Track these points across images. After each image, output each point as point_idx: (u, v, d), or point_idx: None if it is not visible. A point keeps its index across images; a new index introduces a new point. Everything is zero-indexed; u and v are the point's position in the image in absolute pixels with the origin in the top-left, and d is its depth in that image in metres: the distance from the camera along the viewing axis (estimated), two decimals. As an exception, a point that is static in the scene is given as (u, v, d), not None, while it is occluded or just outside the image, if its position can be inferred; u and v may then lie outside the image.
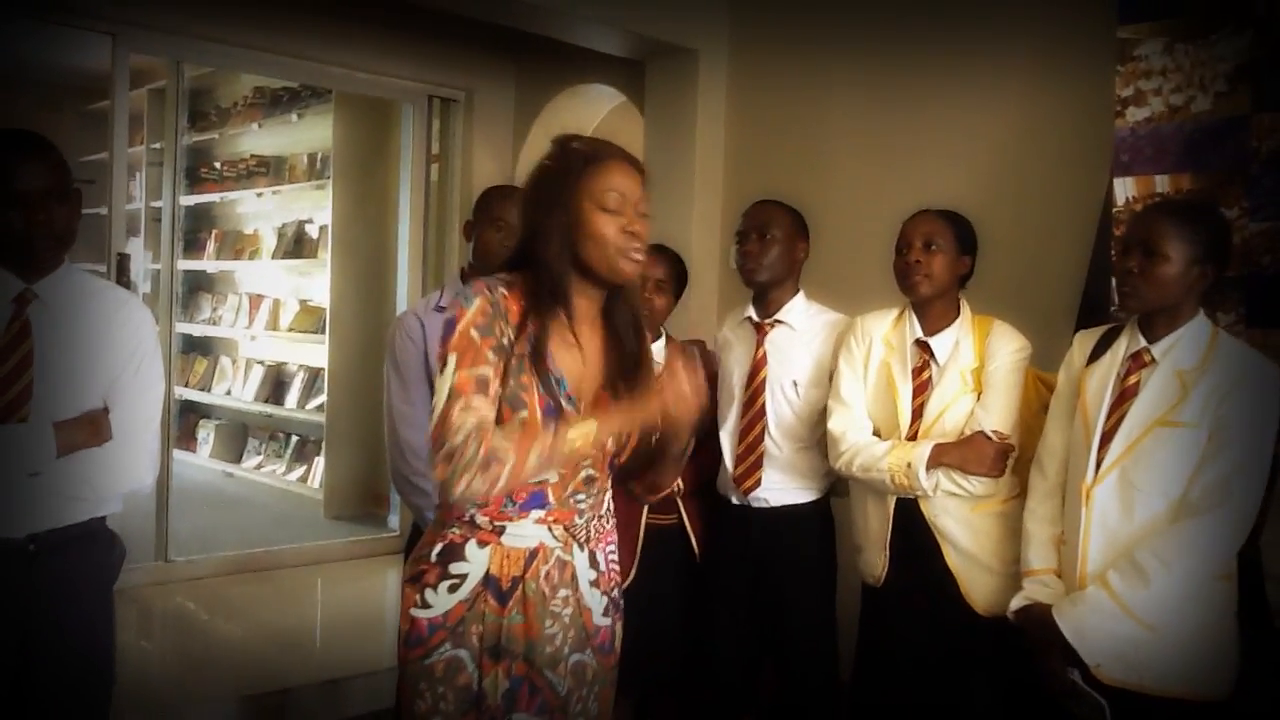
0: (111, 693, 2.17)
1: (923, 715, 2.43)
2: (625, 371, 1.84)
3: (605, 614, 1.88)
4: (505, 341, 1.72)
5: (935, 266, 2.42)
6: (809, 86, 3.86)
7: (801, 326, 2.70)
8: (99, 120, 4.71)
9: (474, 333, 1.71)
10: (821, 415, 2.59)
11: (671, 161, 4.20)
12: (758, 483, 2.67)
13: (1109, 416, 2.10)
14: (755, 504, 2.69)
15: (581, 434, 1.70)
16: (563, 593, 1.81)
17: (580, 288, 1.78)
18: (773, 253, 2.67)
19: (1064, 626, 2.05)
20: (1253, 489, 1.99)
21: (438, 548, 1.80)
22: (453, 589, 1.78)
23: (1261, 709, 2.09)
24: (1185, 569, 1.97)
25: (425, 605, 1.79)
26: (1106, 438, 2.09)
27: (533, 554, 1.79)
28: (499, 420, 1.72)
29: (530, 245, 1.78)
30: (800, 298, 2.73)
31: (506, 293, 1.75)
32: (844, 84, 3.73)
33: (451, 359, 1.70)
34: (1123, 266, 2.10)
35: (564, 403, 1.76)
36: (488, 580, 1.78)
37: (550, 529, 1.80)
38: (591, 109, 5.04)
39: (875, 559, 2.48)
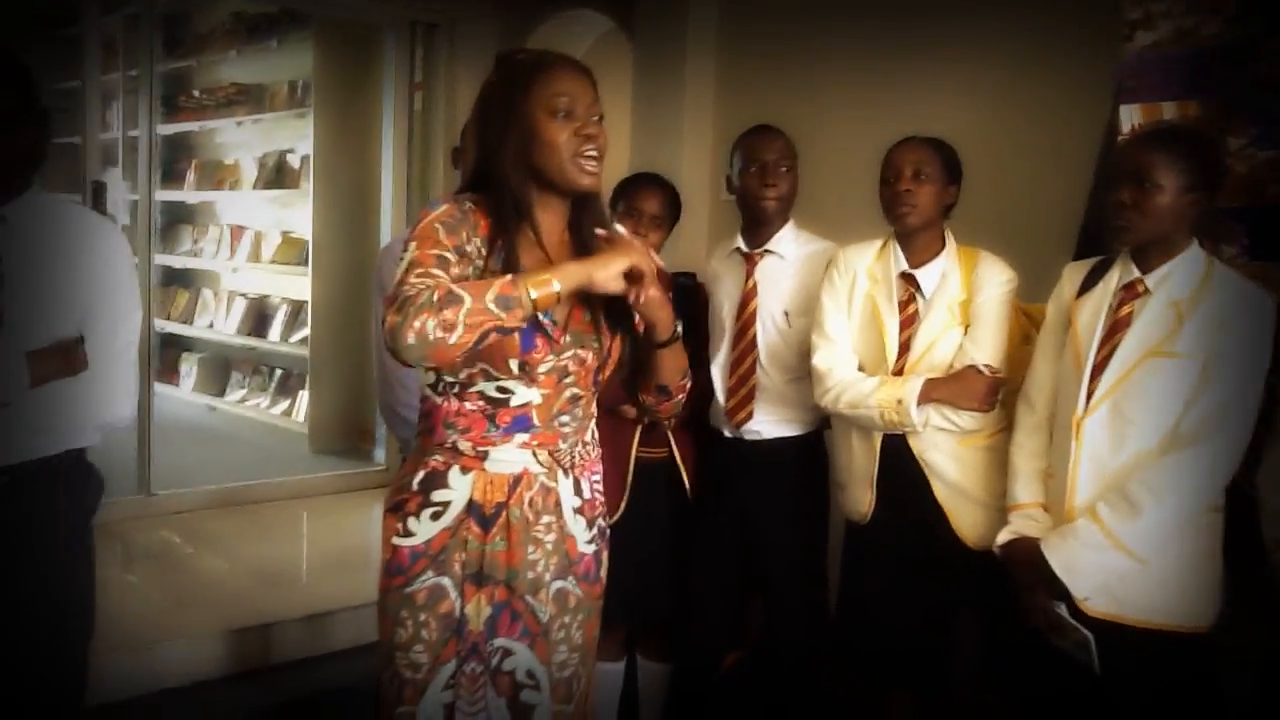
0: (91, 631, 2.12)
1: (907, 652, 2.43)
2: None
3: (590, 542, 1.86)
4: (470, 249, 1.68)
5: (924, 196, 2.36)
6: (803, 11, 3.77)
7: (791, 255, 2.66)
8: (71, 47, 4.58)
9: (438, 227, 1.67)
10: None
11: (662, 88, 4.12)
12: (750, 415, 2.64)
13: (1100, 348, 2.07)
14: (748, 436, 2.66)
15: (540, 284, 1.59)
16: (546, 519, 1.79)
17: (542, 201, 1.75)
18: (787, 185, 2.63)
19: (1052, 560, 2.04)
20: (1245, 420, 1.97)
21: (420, 475, 1.77)
22: (435, 516, 1.75)
23: (1247, 643, 2.09)
24: (1176, 500, 1.96)
25: (407, 533, 1.76)
26: (1098, 370, 2.06)
27: (517, 480, 1.76)
28: None
29: (486, 163, 1.74)
30: (790, 226, 2.68)
31: (473, 207, 1.72)
32: (840, 8, 3.64)
33: (411, 246, 1.66)
34: (1115, 199, 2.05)
35: (540, 316, 1.70)
36: (471, 507, 1.75)
37: (535, 454, 1.77)
38: (579, 35, 4.92)
39: (861, 496, 2.46)
